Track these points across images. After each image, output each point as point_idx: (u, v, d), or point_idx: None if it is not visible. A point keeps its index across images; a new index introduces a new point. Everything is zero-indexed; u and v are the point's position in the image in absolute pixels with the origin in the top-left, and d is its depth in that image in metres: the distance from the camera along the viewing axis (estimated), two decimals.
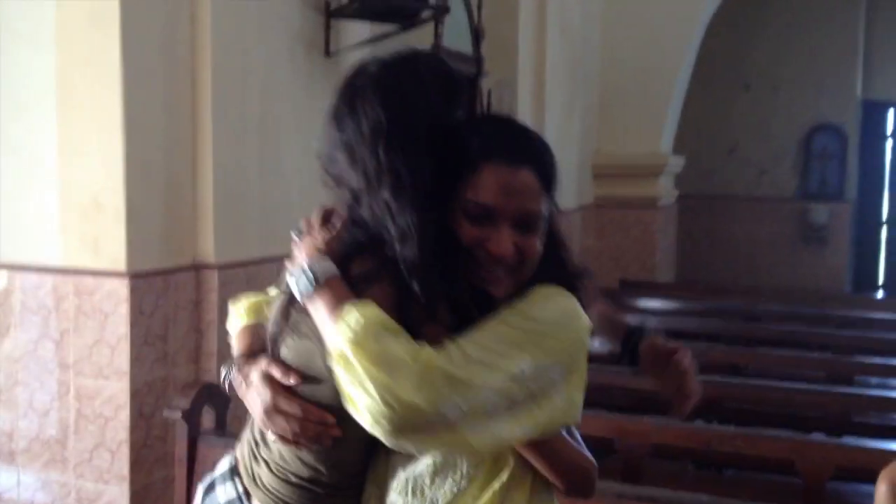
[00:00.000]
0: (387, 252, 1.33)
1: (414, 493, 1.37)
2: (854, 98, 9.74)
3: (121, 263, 2.88)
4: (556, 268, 1.42)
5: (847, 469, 2.97)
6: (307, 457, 1.40)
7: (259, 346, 1.51)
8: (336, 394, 1.28)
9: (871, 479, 2.16)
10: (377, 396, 1.20)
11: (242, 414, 1.52)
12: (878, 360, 5.05)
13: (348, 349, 1.24)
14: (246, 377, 1.45)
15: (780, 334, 5.68)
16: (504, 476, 1.36)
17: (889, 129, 10.02)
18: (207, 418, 2.68)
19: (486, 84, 5.37)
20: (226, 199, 3.21)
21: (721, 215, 9.90)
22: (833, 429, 3.88)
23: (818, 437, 3.48)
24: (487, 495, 1.35)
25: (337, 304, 1.30)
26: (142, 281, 2.92)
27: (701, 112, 9.28)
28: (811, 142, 9.75)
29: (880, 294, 9.83)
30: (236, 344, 1.59)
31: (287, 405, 1.37)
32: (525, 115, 6.00)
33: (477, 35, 5.30)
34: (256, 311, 1.60)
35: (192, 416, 2.61)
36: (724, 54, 9.38)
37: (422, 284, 1.30)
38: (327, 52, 3.76)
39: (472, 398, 1.23)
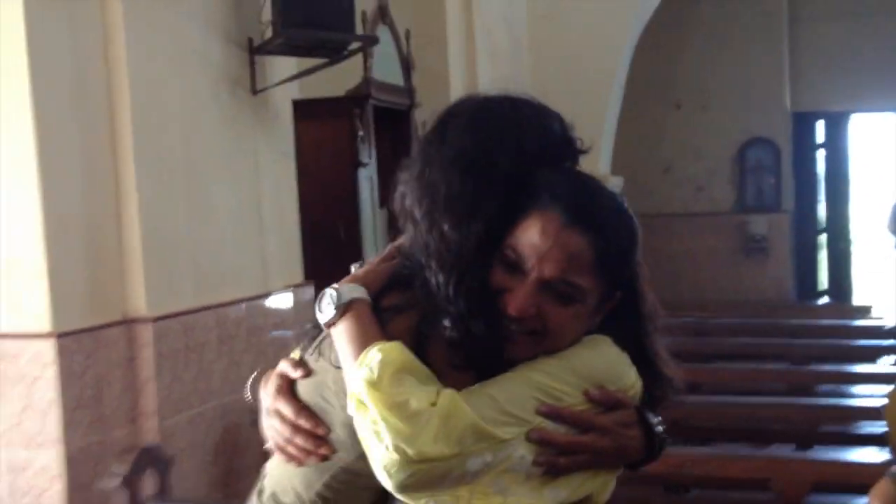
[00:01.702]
0: (426, 286, 1.24)
1: None
2: (783, 111, 9.92)
3: (45, 323, 2.74)
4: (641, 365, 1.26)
5: (823, 482, 2.90)
6: (302, 487, 1.27)
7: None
8: (344, 430, 1.21)
9: (849, 490, 2.10)
10: (390, 443, 1.09)
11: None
12: (832, 367, 5.05)
13: (364, 392, 1.13)
14: (269, 378, 1.36)
15: (733, 347, 5.66)
16: None
17: (819, 139, 10.22)
18: (150, 483, 2.58)
19: (419, 116, 5.29)
20: (155, 248, 3.08)
21: (661, 233, 9.92)
22: (800, 440, 3.82)
23: (792, 452, 3.41)
24: None
25: (359, 335, 1.20)
26: (69, 340, 2.77)
27: (635, 133, 9.33)
28: (744, 156, 9.89)
29: (825, 300, 9.96)
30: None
31: (283, 406, 1.28)
32: None
33: (407, 66, 5.23)
34: None
35: (132, 483, 2.53)
36: (653, 75, 9.47)
37: (454, 326, 1.20)
38: (254, 90, 3.63)
39: (499, 452, 1.11)
